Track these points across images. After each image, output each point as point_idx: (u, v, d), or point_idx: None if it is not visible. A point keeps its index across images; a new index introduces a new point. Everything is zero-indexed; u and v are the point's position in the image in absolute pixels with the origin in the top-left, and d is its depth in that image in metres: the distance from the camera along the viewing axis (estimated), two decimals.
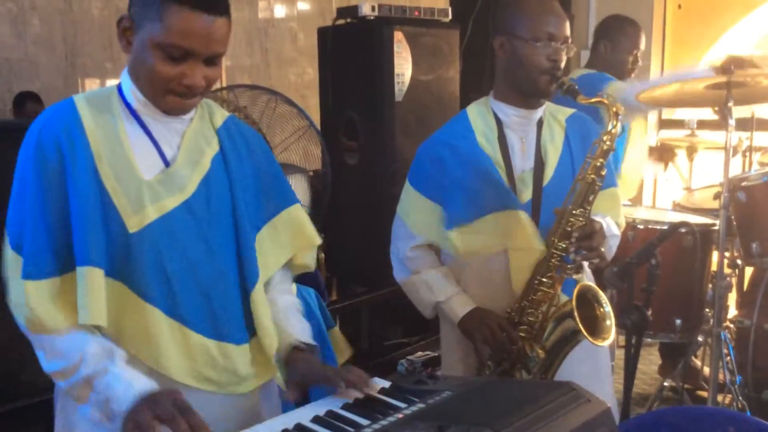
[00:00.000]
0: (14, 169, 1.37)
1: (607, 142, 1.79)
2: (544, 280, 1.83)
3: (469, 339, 1.86)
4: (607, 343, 1.74)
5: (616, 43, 3.08)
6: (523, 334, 1.84)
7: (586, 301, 1.78)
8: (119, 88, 1.44)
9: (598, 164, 1.80)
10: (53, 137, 1.34)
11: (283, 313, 1.56)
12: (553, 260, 1.81)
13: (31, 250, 1.33)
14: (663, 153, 3.23)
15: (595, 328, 1.75)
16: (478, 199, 1.85)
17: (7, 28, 4.74)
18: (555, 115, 1.97)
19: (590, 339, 1.72)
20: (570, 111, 2.00)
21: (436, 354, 3.82)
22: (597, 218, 1.82)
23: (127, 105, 1.42)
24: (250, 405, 1.52)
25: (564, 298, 1.84)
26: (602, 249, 1.79)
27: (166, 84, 1.35)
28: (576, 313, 1.71)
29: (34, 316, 1.31)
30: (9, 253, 1.36)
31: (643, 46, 3.12)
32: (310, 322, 2.07)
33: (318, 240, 1.64)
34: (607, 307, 1.76)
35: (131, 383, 1.29)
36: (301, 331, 1.55)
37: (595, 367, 1.97)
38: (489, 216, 1.85)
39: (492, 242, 1.87)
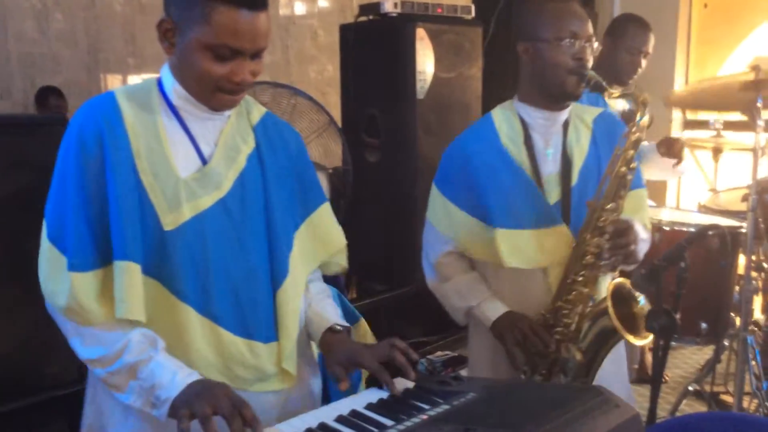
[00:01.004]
0: (39, 163, 1.37)
1: (636, 133, 1.77)
2: (578, 278, 1.80)
3: (501, 342, 1.83)
4: (646, 341, 1.71)
5: (618, 40, 2.97)
6: (558, 336, 1.81)
7: (622, 298, 1.74)
8: (159, 83, 1.44)
9: (629, 156, 1.77)
10: (95, 131, 1.35)
11: (316, 299, 1.58)
12: (586, 257, 1.79)
13: (75, 241, 1.33)
14: (670, 146, 3.02)
15: (632, 325, 1.72)
16: (511, 207, 1.83)
17: (31, 23, 4.77)
18: (581, 116, 1.94)
19: (628, 337, 1.69)
20: (597, 111, 1.97)
21: (456, 353, 3.80)
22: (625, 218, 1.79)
23: (167, 101, 1.42)
24: (280, 403, 1.51)
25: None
26: (635, 248, 1.76)
27: (216, 83, 1.35)
28: (612, 311, 1.68)
29: (79, 307, 1.32)
30: (46, 244, 1.36)
31: (649, 47, 2.99)
32: None
33: (343, 241, 1.65)
34: (644, 303, 1.73)
35: (176, 371, 1.30)
36: (334, 315, 1.57)
37: (617, 371, 1.94)
38: (528, 231, 1.83)
39: (533, 258, 1.84)
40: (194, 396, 1.24)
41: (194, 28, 1.31)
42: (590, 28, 1.83)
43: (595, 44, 1.83)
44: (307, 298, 1.58)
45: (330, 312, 1.57)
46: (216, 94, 1.38)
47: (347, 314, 2.17)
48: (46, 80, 4.76)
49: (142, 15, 5.10)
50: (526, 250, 1.84)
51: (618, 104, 2.77)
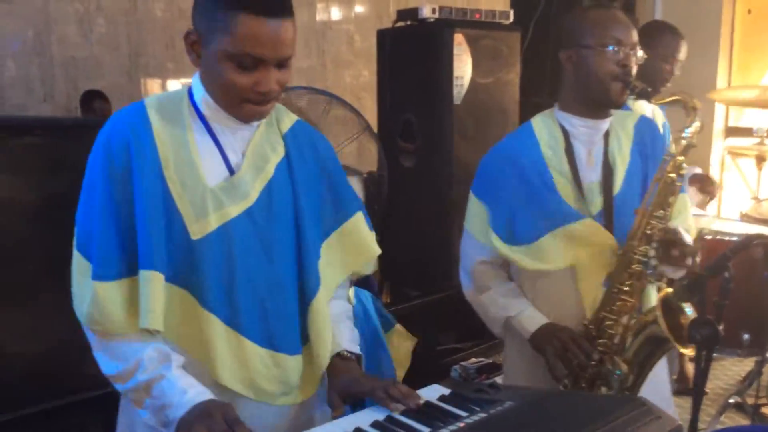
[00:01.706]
0: (81, 166, 1.39)
1: (687, 139, 1.74)
2: (624, 288, 1.77)
3: (541, 354, 1.80)
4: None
5: (653, 49, 2.93)
6: (601, 348, 1.78)
7: (670, 309, 1.71)
8: (190, 92, 1.44)
9: (678, 162, 1.74)
10: (123, 140, 1.35)
11: (333, 320, 1.54)
12: (633, 266, 1.75)
13: (100, 251, 1.33)
14: (704, 184, 3.01)
15: (679, 336, 1.69)
16: (542, 215, 1.81)
17: (74, 27, 4.87)
18: (622, 123, 1.91)
19: (679, 347, 1.66)
20: (637, 116, 1.94)
21: (490, 360, 3.77)
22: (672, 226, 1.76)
23: (197, 111, 1.41)
24: (303, 414, 1.51)
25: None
26: (687, 262, 1.72)
27: (242, 94, 1.34)
28: (662, 320, 1.65)
29: (101, 316, 1.32)
30: (75, 252, 1.37)
31: (682, 55, 2.94)
32: (366, 324, 2.05)
33: (377, 250, 1.61)
34: (692, 314, 1.70)
35: (186, 390, 1.29)
36: (348, 340, 1.53)
37: (657, 382, 1.90)
38: (555, 231, 1.80)
39: (559, 258, 1.82)
40: (194, 418, 1.24)
41: (217, 38, 1.30)
42: (635, 36, 1.80)
43: (640, 52, 1.80)
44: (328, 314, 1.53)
45: (344, 336, 1.53)
46: (243, 105, 1.36)
47: (382, 319, 2.17)
48: (88, 84, 4.85)
49: (182, 20, 5.17)
50: (550, 250, 1.80)
51: (645, 108, 2.72)
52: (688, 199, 1.96)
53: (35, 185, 2.23)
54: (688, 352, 1.67)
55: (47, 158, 2.27)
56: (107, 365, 1.35)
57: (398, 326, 2.16)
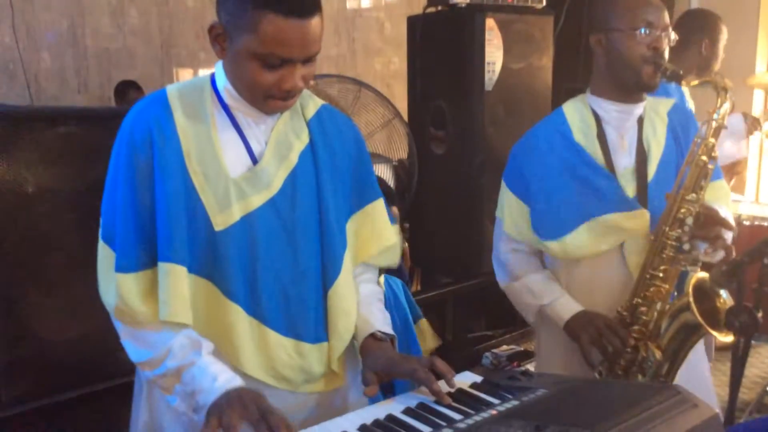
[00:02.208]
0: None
1: (718, 120, 1.71)
2: (658, 273, 1.74)
3: (576, 341, 1.79)
4: (729, 338, 1.65)
5: (715, 40, 2.90)
6: (636, 335, 1.76)
7: (704, 293, 1.68)
8: (212, 80, 1.43)
9: (710, 144, 1.71)
10: (145, 130, 1.34)
11: (364, 302, 1.54)
12: (666, 251, 1.73)
13: (122, 242, 1.34)
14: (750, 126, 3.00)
15: (715, 321, 1.66)
16: (576, 205, 1.79)
17: (107, 19, 4.93)
18: (656, 108, 1.88)
19: (713, 333, 1.63)
20: (671, 102, 1.91)
21: (522, 348, 3.75)
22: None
23: (220, 99, 1.41)
24: (332, 402, 1.51)
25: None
26: (724, 237, 1.68)
27: (266, 91, 1.33)
28: (694, 306, 1.62)
29: (126, 307, 1.33)
30: (100, 243, 1.39)
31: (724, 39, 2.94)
32: (396, 312, 2.05)
33: (393, 240, 1.59)
34: (727, 298, 1.67)
35: (217, 376, 1.30)
36: (381, 321, 1.51)
37: (695, 370, 1.87)
38: (592, 222, 1.78)
39: (599, 242, 1.79)
40: (226, 404, 1.24)
41: (243, 36, 1.29)
42: (666, 18, 1.77)
43: (672, 34, 1.77)
44: (348, 301, 1.52)
45: (376, 317, 1.51)
46: (267, 101, 1.36)
47: (412, 310, 2.16)
48: (121, 75, 4.91)
49: (213, 10, 5.19)
50: (585, 238, 1.79)
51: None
52: (726, 186, 1.92)
53: (72, 174, 2.27)
54: (722, 337, 1.65)
55: (82, 148, 2.30)
56: (136, 353, 1.37)
57: (424, 322, 2.16)
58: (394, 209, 1.95)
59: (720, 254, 1.73)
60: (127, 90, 4.73)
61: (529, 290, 1.91)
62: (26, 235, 2.18)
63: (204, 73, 5.49)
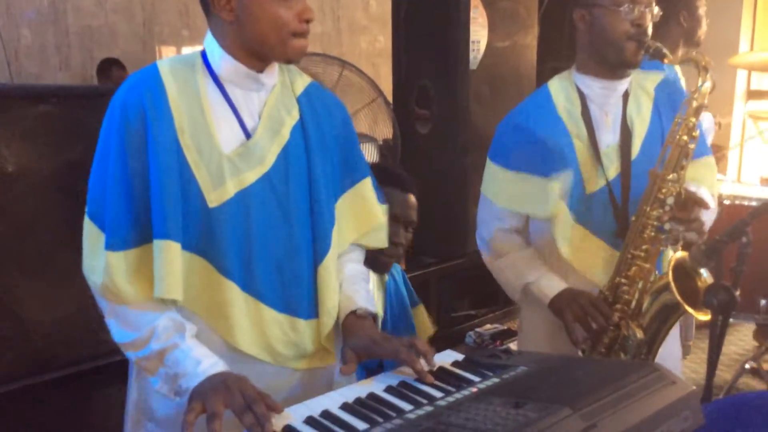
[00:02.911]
0: (97, 133, 1.38)
1: (698, 99, 1.71)
2: (639, 253, 1.76)
3: (560, 318, 1.80)
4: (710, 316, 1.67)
5: (693, 8, 2.88)
6: (618, 314, 1.78)
7: (684, 272, 1.70)
8: (203, 54, 1.42)
9: (691, 124, 1.72)
10: (138, 105, 1.34)
11: (349, 280, 1.54)
12: (647, 231, 1.74)
13: (112, 220, 1.33)
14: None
15: (695, 300, 1.68)
16: (556, 157, 1.80)
17: None
18: (642, 84, 1.88)
19: (692, 311, 1.65)
20: (659, 77, 1.91)
21: (505, 327, 3.78)
22: (691, 188, 1.74)
23: (211, 73, 1.40)
24: (324, 379, 1.52)
25: None
26: (702, 220, 1.70)
27: (290, 26, 1.35)
28: (674, 286, 1.64)
29: (113, 285, 1.33)
30: (86, 220, 1.37)
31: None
32: (396, 297, 2.06)
33: (381, 219, 1.60)
34: (708, 276, 1.69)
35: (200, 361, 1.30)
36: (364, 299, 1.51)
37: (666, 347, 1.90)
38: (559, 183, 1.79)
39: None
40: (210, 389, 1.23)
41: None
42: None
43: (656, 9, 1.77)
44: (339, 279, 1.53)
45: (360, 295, 1.51)
46: (290, 41, 1.37)
47: (410, 296, 2.18)
48: (103, 53, 4.85)
49: None
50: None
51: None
52: (713, 162, 1.92)
53: (52, 153, 2.24)
54: (701, 316, 1.67)
55: (63, 126, 2.27)
56: (120, 333, 1.36)
57: (420, 308, 2.17)
58: (412, 198, 1.96)
59: (702, 233, 1.75)
60: (110, 68, 4.68)
61: (514, 268, 1.92)
62: (6, 214, 2.16)
63: (187, 50, 5.46)
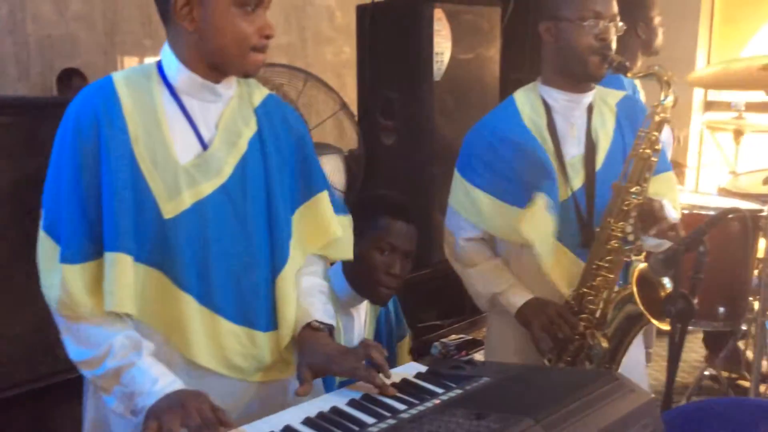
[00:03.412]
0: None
1: (661, 114, 1.74)
2: (603, 264, 1.78)
3: (527, 328, 1.82)
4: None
5: (649, 19, 2.93)
6: (583, 323, 1.80)
7: (648, 283, 1.73)
8: (159, 65, 1.41)
9: (653, 138, 1.75)
10: (91, 116, 1.32)
11: (306, 293, 1.53)
12: (611, 242, 1.76)
13: (67, 232, 1.31)
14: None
15: (659, 310, 1.71)
16: (530, 183, 1.81)
17: (49, 5, 4.78)
18: (605, 99, 1.92)
19: (655, 322, 1.68)
20: (620, 94, 1.95)
21: (470, 337, 3.79)
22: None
23: (167, 84, 1.39)
24: (284, 392, 1.51)
25: None
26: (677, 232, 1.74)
27: (250, 41, 1.35)
28: (637, 296, 1.66)
29: (70, 300, 1.30)
30: (41, 234, 1.35)
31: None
32: (385, 327, 2.06)
33: (339, 233, 1.58)
34: (671, 287, 1.72)
35: (157, 379, 1.28)
36: (320, 311, 1.50)
37: (630, 356, 1.93)
38: (540, 202, 1.81)
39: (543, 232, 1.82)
40: (166, 408, 1.22)
41: None
42: (614, 7, 1.80)
43: (620, 24, 1.80)
44: (296, 292, 1.51)
45: (316, 308, 1.50)
46: (250, 55, 1.37)
47: (399, 328, 2.17)
48: (64, 63, 4.77)
49: None
50: (539, 221, 1.81)
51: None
52: (673, 177, 1.96)
53: (9, 167, 2.20)
54: (663, 326, 1.70)
55: (22, 138, 2.23)
56: (76, 351, 1.34)
57: (407, 340, 2.18)
58: (412, 228, 1.96)
59: (666, 245, 1.78)
60: (70, 78, 4.61)
61: (482, 278, 1.93)
62: None
63: (150, 60, 5.39)
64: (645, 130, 1.76)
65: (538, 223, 1.80)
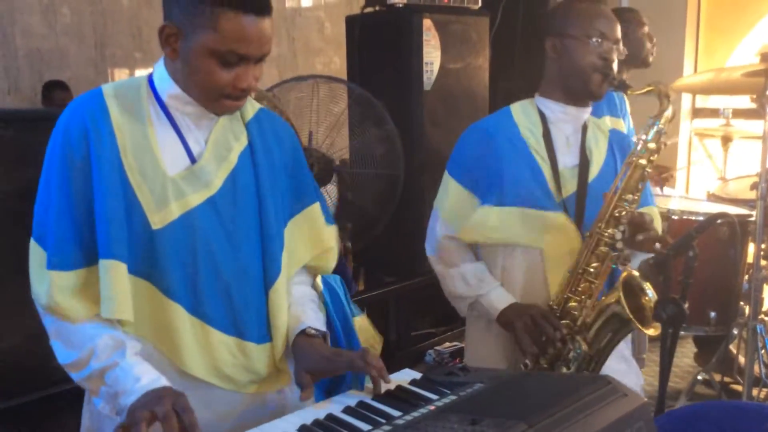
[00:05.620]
0: (43, 159, 1.37)
1: (660, 124, 1.78)
2: (589, 269, 1.79)
3: (509, 330, 1.83)
4: (656, 332, 1.71)
5: (633, 32, 3.00)
6: (565, 328, 1.80)
7: (632, 290, 1.74)
8: (150, 79, 1.41)
9: (652, 147, 1.77)
10: (81, 127, 1.33)
11: (297, 302, 1.54)
12: (599, 248, 1.78)
13: (56, 240, 1.32)
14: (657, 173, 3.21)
15: (641, 317, 1.72)
16: (518, 187, 1.83)
17: (38, 18, 4.79)
18: (599, 124, 1.97)
19: (641, 328, 1.69)
20: (611, 124, 2.00)
21: (463, 345, 3.80)
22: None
23: (157, 98, 1.40)
24: (279, 402, 1.51)
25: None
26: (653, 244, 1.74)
27: (222, 90, 1.33)
28: (624, 302, 1.68)
29: (56, 304, 1.31)
30: (32, 243, 1.36)
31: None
32: (336, 308, 2.05)
33: (331, 243, 1.60)
34: (652, 296, 1.73)
35: (140, 378, 1.28)
36: (313, 319, 1.51)
37: (625, 361, 1.94)
38: (527, 209, 1.82)
39: (522, 235, 1.84)
40: (141, 405, 1.21)
41: (200, 34, 1.29)
42: (618, 32, 1.86)
43: (622, 48, 1.85)
44: (288, 301, 1.52)
45: (308, 315, 1.51)
46: (221, 101, 1.36)
47: (349, 305, 2.16)
48: (53, 75, 4.77)
49: (149, 9, 5.10)
50: (515, 223, 1.84)
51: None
52: (657, 212, 2.00)
53: (1, 178, 2.20)
54: (651, 332, 1.71)
55: (12, 150, 2.23)
56: (63, 354, 1.34)
57: (361, 319, 2.15)
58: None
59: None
60: (53, 90, 4.61)
61: (463, 279, 1.94)
62: None
63: (140, 73, 5.41)
64: (643, 140, 1.78)
65: (512, 224, 1.83)
